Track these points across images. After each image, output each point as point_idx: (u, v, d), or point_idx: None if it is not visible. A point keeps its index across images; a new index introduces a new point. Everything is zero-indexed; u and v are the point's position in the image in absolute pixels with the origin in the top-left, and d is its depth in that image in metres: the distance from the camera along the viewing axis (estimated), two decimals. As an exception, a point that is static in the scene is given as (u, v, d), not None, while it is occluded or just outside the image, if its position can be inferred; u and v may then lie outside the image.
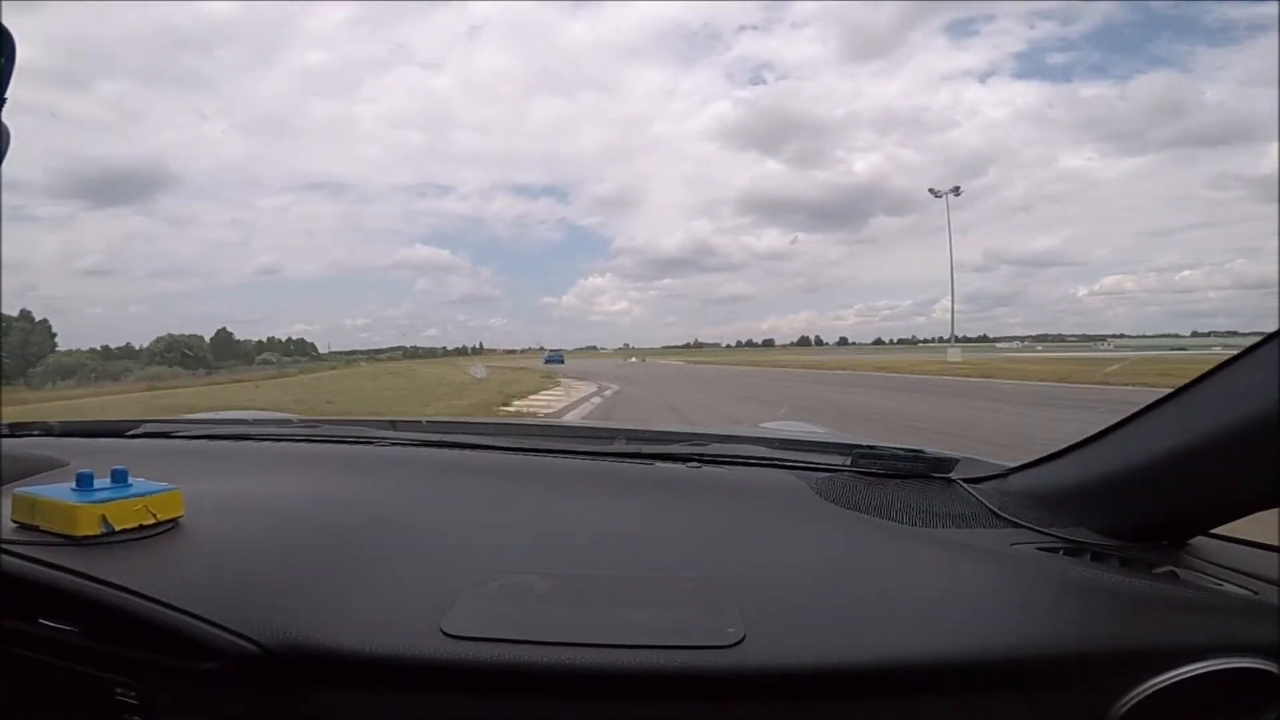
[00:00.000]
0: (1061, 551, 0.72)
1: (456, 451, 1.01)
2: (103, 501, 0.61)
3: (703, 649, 0.52)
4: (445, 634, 0.52)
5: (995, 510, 0.81)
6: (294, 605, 0.55)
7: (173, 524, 0.65)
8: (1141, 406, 0.71)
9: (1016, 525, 0.78)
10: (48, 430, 1.06)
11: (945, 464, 0.92)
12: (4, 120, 0.46)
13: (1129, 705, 0.55)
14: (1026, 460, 0.88)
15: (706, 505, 0.84)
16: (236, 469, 0.91)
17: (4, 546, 0.55)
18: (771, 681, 0.52)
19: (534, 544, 0.71)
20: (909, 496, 0.85)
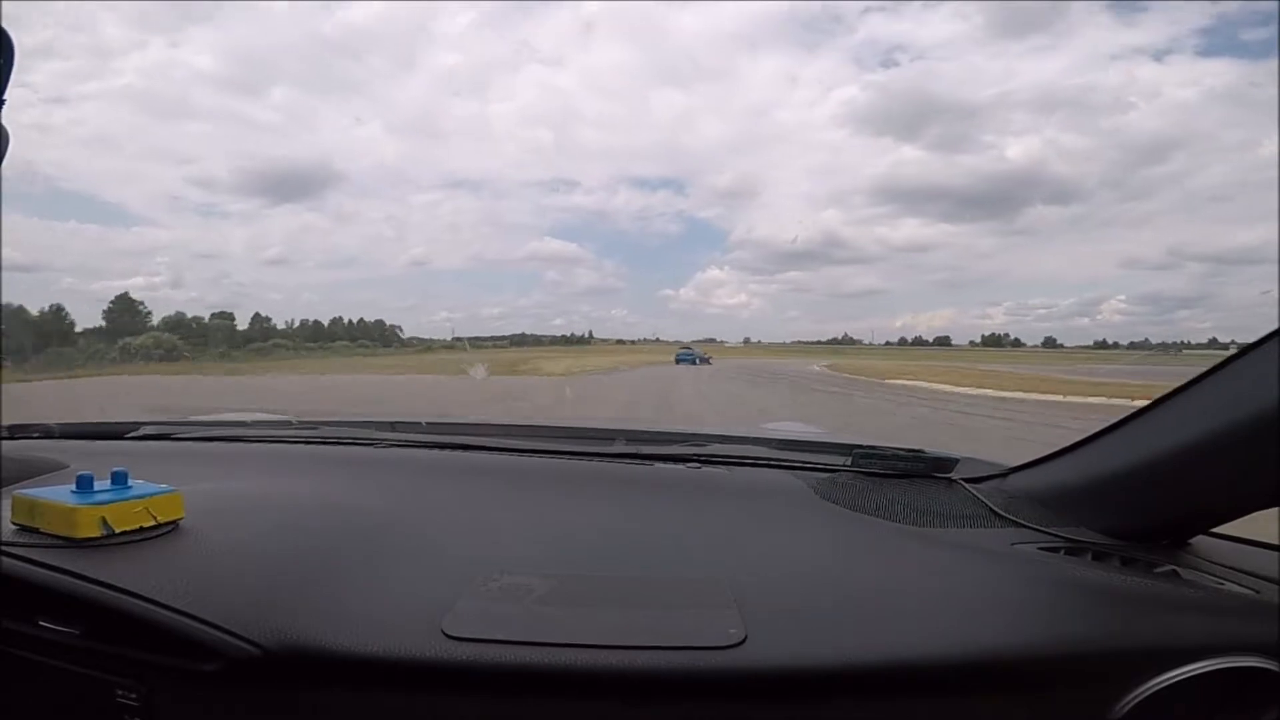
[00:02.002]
0: (1063, 551, 0.72)
1: (456, 453, 1.01)
2: (103, 503, 0.61)
3: (704, 650, 0.52)
4: (445, 635, 0.52)
5: (996, 510, 0.81)
6: (294, 606, 0.55)
7: (173, 526, 0.65)
8: (1143, 405, 0.71)
9: (1017, 525, 0.78)
10: (47, 432, 1.06)
11: (946, 464, 0.92)
12: (3, 122, 0.46)
13: (1131, 705, 0.55)
14: (1027, 460, 0.88)
15: (707, 506, 0.84)
16: (236, 470, 0.91)
17: (4, 549, 0.55)
18: (773, 682, 0.52)
19: (534, 545, 0.71)
20: (910, 496, 0.85)
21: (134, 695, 0.53)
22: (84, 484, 0.63)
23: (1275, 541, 0.75)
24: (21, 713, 0.57)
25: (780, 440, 1.12)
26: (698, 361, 30.18)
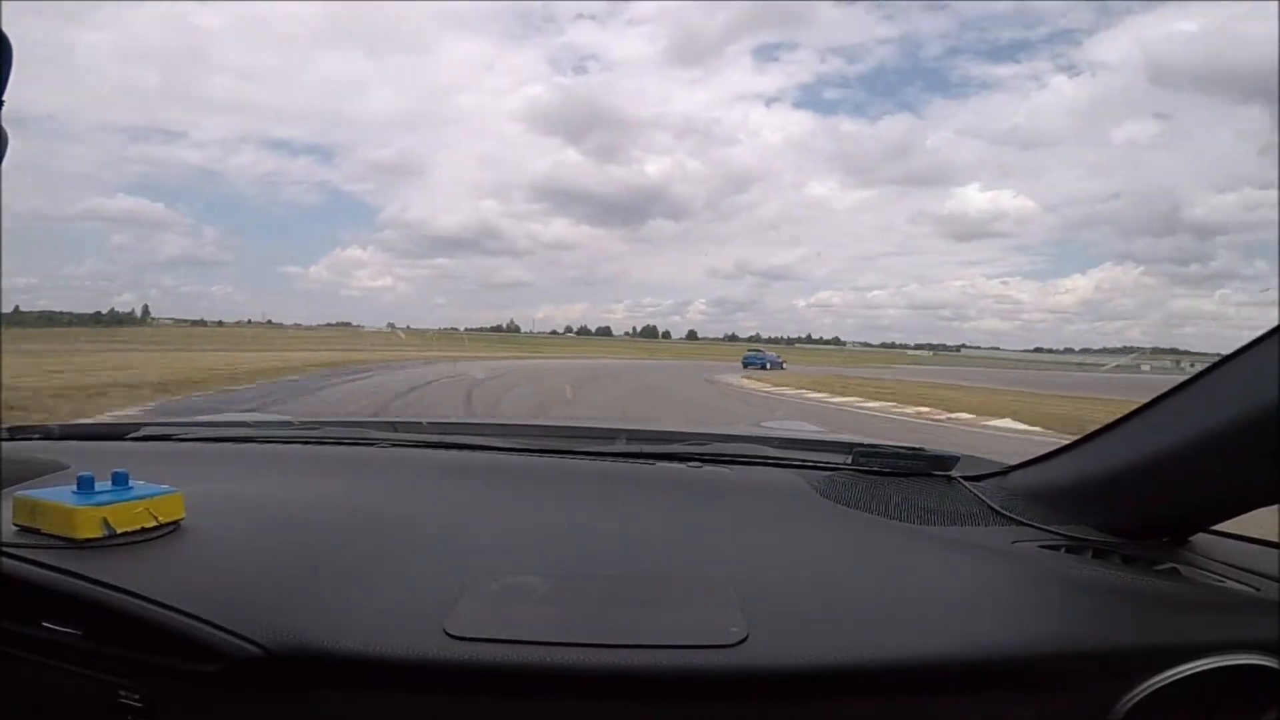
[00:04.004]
0: (1063, 549, 0.72)
1: (457, 452, 1.01)
2: (104, 504, 0.61)
3: (705, 649, 0.52)
4: (448, 635, 0.52)
5: (996, 508, 0.81)
6: (296, 607, 0.55)
7: (174, 526, 0.65)
8: (1143, 403, 0.71)
9: (1018, 523, 0.78)
10: (48, 434, 1.06)
11: (946, 462, 0.92)
12: (3, 123, 0.47)
13: (1132, 703, 0.55)
14: (1027, 458, 0.88)
15: (708, 505, 0.84)
16: (237, 471, 0.91)
17: (5, 550, 0.55)
18: (774, 681, 0.52)
19: (536, 544, 0.71)
20: (910, 495, 0.85)
21: (136, 696, 0.53)
22: (85, 485, 0.63)
23: (1275, 539, 0.75)
24: (24, 714, 0.57)
25: (781, 439, 1.13)
26: (769, 366, 28.77)
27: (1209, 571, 0.69)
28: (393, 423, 1.15)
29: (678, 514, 0.81)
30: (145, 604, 0.52)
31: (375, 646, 0.52)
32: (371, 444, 1.03)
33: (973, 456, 0.96)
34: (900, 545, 0.74)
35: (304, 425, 1.14)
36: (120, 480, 0.65)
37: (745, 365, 29.06)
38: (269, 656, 0.51)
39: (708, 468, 0.95)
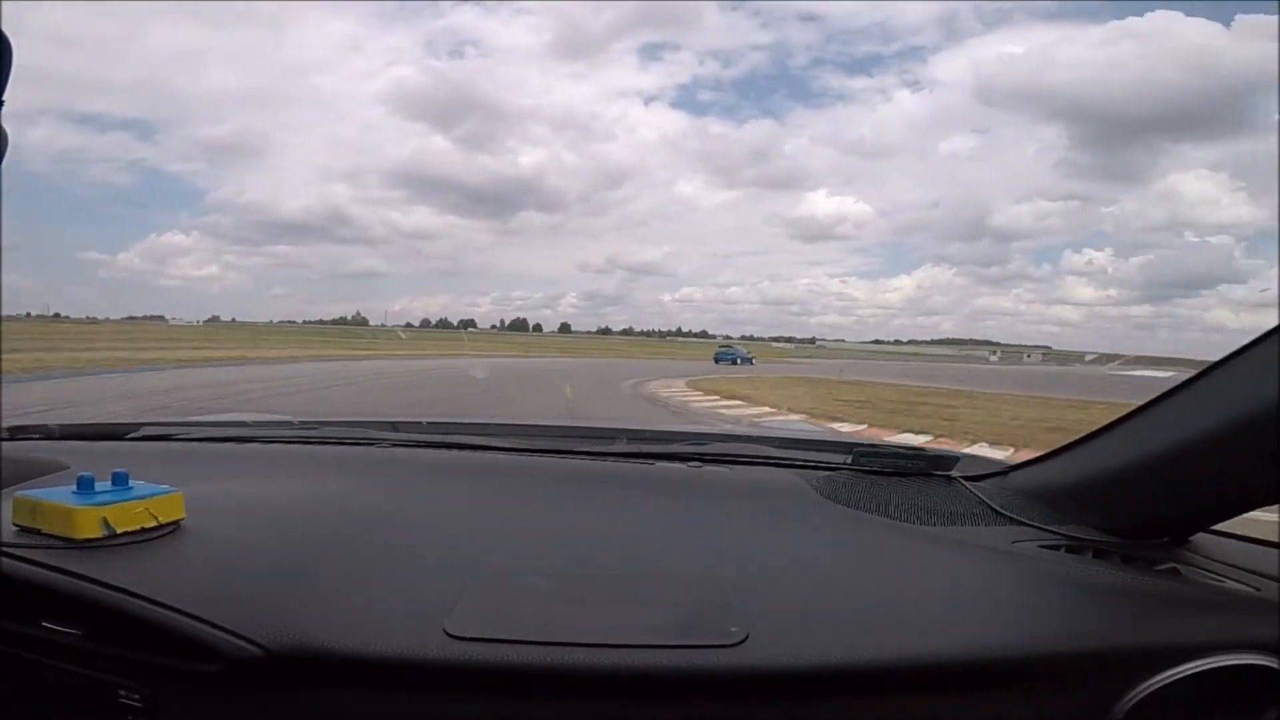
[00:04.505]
0: (1063, 549, 0.72)
1: (458, 452, 1.01)
2: (104, 504, 0.61)
3: (705, 648, 0.52)
4: (448, 635, 0.52)
5: (996, 508, 0.81)
6: (296, 607, 0.55)
7: (174, 526, 0.65)
8: (1142, 403, 0.71)
9: (1018, 523, 0.78)
10: (48, 433, 1.06)
11: (946, 462, 0.92)
12: (3, 123, 0.47)
13: (1132, 703, 0.55)
14: (1027, 458, 0.88)
15: (708, 504, 0.84)
16: (237, 471, 0.91)
17: (5, 550, 0.55)
18: (774, 681, 0.52)
19: (536, 544, 0.71)
20: (910, 494, 0.85)
21: (136, 696, 0.53)
22: (85, 485, 0.63)
23: (1275, 539, 0.75)
24: (24, 714, 0.57)
25: (781, 439, 1.13)
26: (739, 362, 29.85)
27: (1209, 571, 0.69)
28: (393, 422, 1.15)
29: (678, 514, 0.81)
30: (145, 604, 0.52)
31: (375, 646, 0.52)
32: (371, 444, 1.03)
33: (973, 456, 0.96)
34: (900, 545, 0.74)
35: (304, 425, 1.14)
36: (120, 480, 0.65)
37: (717, 361, 30.60)
38: (269, 656, 0.51)
39: (708, 468, 0.95)
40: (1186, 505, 0.71)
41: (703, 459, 0.97)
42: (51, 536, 0.59)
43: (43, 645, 0.54)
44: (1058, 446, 0.83)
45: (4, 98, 0.45)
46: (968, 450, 1.01)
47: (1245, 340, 0.62)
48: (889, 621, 0.58)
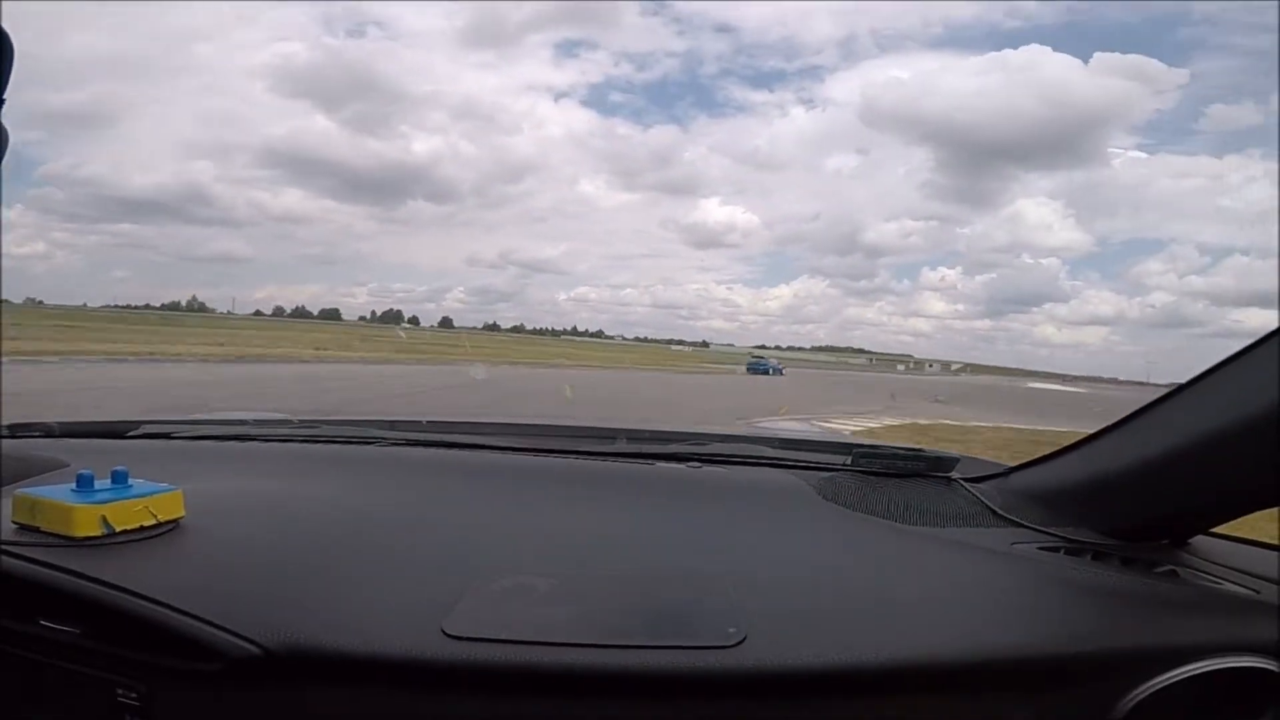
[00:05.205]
0: (1062, 551, 0.72)
1: (457, 451, 1.01)
2: (103, 502, 0.61)
3: (704, 649, 0.52)
4: (447, 635, 0.52)
5: (996, 510, 0.81)
6: (295, 606, 0.55)
7: (173, 525, 0.65)
8: (1141, 406, 0.71)
9: (1017, 525, 0.78)
10: (48, 431, 1.06)
11: (945, 463, 0.92)
12: (3, 122, 0.47)
13: (1131, 704, 0.55)
14: (1026, 460, 0.88)
15: (707, 505, 0.84)
16: (237, 469, 0.91)
17: (5, 548, 0.55)
18: (773, 681, 0.52)
19: (535, 544, 0.71)
20: (909, 496, 0.85)
21: (135, 695, 0.53)
22: (84, 483, 0.63)
23: (1274, 541, 0.75)
24: (22, 712, 0.57)
25: (781, 439, 1.13)
26: (771, 372, 28.74)
27: (1208, 574, 0.69)
28: (392, 421, 1.15)
29: (677, 514, 0.81)
30: (144, 602, 0.52)
31: (374, 646, 0.52)
32: (371, 443, 1.03)
33: (972, 458, 0.96)
34: (899, 546, 0.74)
35: (303, 424, 1.14)
36: (120, 478, 0.65)
37: (750, 371, 29.69)
38: (268, 656, 0.51)
39: (707, 468, 0.95)
40: (1185, 508, 0.71)
41: (702, 459, 0.97)
42: (51, 534, 0.59)
43: (41, 643, 0.54)
44: (1057, 449, 0.83)
45: (4, 96, 0.45)
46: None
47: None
48: (888, 622, 0.58)
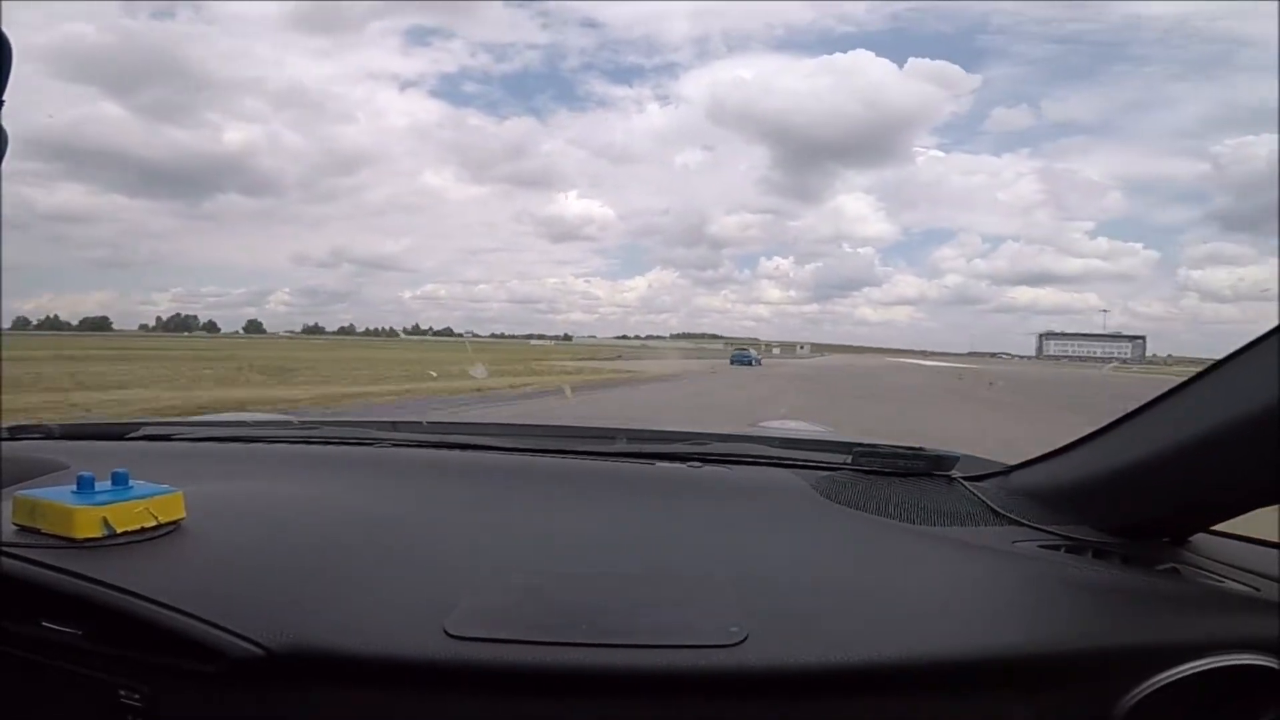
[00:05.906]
0: (1063, 549, 0.72)
1: (458, 452, 1.01)
2: (104, 504, 0.61)
3: (705, 648, 0.52)
4: (448, 635, 0.52)
5: (996, 508, 0.81)
6: (297, 606, 0.55)
7: (174, 526, 0.65)
8: (1142, 403, 0.71)
9: (1018, 523, 0.78)
10: (48, 433, 1.06)
11: (946, 462, 0.92)
12: (3, 123, 0.47)
13: (1132, 702, 0.55)
14: (1027, 458, 0.88)
15: (708, 504, 0.84)
16: (237, 471, 0.91)
17: (5, 549, 0.55)
18: (774, 681, 0.52)
19: (536, 544, 0.71)
20: (910, 495, 0.85)
21: (137, 696, 0.53)
22: (85, 484, 0.63)
23: (1275, 539, 0.75)
24: (25, 714, 0.57)
25: (781, 439, 1.13)
26: (753, 363, 29.80)
27: (1208, 572, 0.69)
28: (393, 422, 1.15)
29: (678, 514, 0.81)
30: (145, 604, 0.52)
31: (375, 646, 0.52)
32: (371, 444, 1.03)
33: (973, 456, 0.96)
34: (900, 545, 0.74)
35: (304, 425, 1.14)
36: (120, 480, 0.65)
37: (733, 363, 30.59)
38: (269, 656, 0.51)
39: (708, 468, 0.95)
40: (1186, 505, 0.71)
41: (702, 459, 0.97)
42: (51, 536, 0.59)
43: (43, 645, 0.54)
44: (1059, 446, 0.83)
45: (4, 97, 0.45)
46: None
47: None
48: (889, 621, 0.58)
